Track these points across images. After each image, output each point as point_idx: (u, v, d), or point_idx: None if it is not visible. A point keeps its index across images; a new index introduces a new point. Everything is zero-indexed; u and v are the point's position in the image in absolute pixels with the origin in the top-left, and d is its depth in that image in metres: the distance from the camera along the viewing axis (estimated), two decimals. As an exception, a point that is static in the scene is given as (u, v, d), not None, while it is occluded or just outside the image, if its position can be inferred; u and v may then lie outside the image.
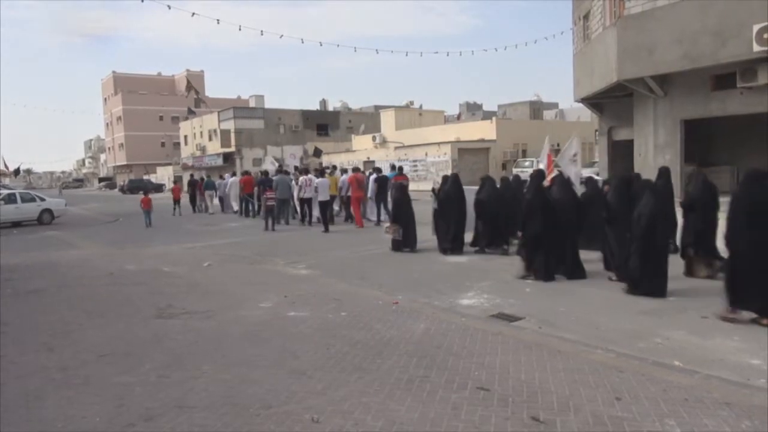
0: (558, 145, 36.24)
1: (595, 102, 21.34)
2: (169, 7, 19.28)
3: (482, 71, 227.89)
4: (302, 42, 23.01)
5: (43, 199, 22.99)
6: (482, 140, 33.45)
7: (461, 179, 11.60)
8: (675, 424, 3.78)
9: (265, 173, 20.46)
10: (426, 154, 32.27)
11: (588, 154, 37.26)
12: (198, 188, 25.16)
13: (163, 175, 54.83)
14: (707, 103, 15.69)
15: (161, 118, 77.10)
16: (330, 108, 61.63)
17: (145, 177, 62.13)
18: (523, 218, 8.24)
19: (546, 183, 9.20)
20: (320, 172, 17.74)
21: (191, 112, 56.92)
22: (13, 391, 4.75)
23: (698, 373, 4.63)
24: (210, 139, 52.01)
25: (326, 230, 15.21)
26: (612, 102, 20.62)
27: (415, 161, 32.76)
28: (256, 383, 4.71)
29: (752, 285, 5.75)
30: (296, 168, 21.36)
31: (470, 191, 11.22)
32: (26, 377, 5.05)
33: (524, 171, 27.95)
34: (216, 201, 24.83)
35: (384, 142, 40.15)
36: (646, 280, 6.98)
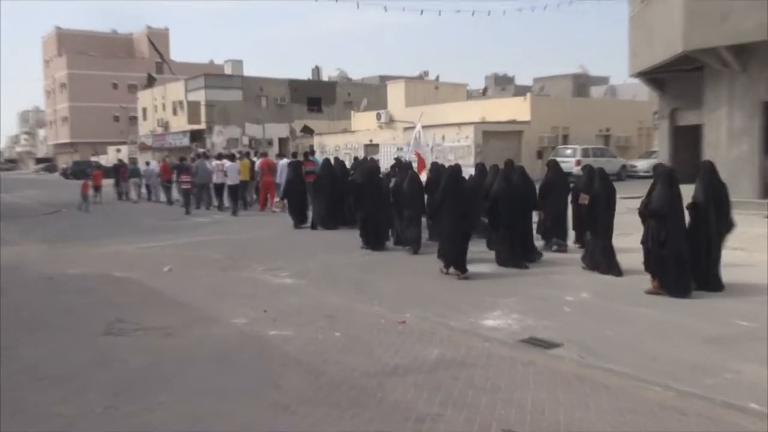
0: (608, 130, 36.20)
1: (654, 77, 21.23)
2: (128, -52, 19.19)
3: (515, 36, 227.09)
4: (292, -5, 22.58)
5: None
6: (513, 121, 33.34)
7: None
8: (750, 482, 3.75)
9: (182, 159, 24.85)
10: (443, 138, 32.17)
11: (645, 142, 37.17)
12: (121, 174, 28.20)
13: (116, 157, 54.87)
14: (796, 80, 15.62)
15: (115, 86, 77.22)
16: (324, 78, 61.54)
17: (93, 158, 62.20)
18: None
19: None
20: (230, 157, 21.68)
21: (152, 79, 57.03)
22: (-75, 421, 4.75)
23: (779, 419, 4.61)
24: (175, 113, 52.08)
25: (233, 213, 19.68)
26: (676, 78, 20.51)
27: (429, 146, 32.71)
28: (226, 418, 4.70)
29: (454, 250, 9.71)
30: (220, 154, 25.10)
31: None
32: (-58, 404, 5.05)
33: (565, 161, 27.87)
34: (143, 190, 27.43)
35: (391, 122, 40.06)
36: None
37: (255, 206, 21.51)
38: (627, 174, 30.49)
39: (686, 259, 8.17)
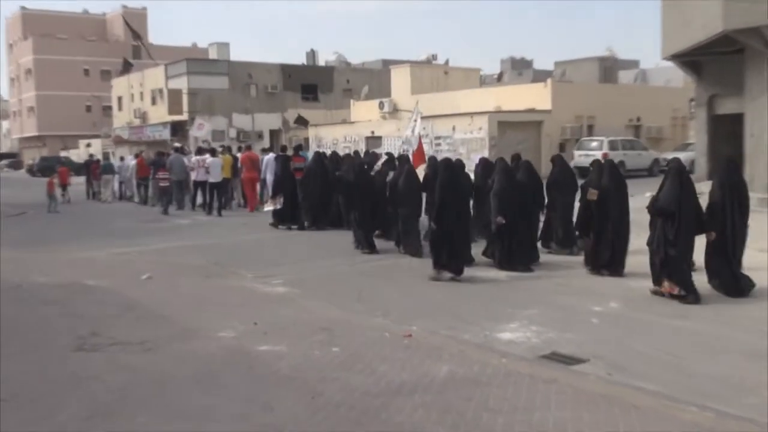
0: (638, 119, 36.12)
1: (690, 60, 21.20)
2: None
3: (534, 15, 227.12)
4: (284, -30, 22.50)
5: None
6: (532, 110, 33.32)
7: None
8: None
9: (159, 153, 25.69)
10: (453, 129, 32.16)
11: (680, 133, 37.07)
12: (93, 171, 28.68)
13: (87, 152, 54.88)
14: None
15: (87, 72, 77.23)
16: (321, 62, 61.56)
17: (63, 154, 62.28)
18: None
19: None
20: (211, 151, 21.81)
21: (128, 65, 57.07)
22: None
23: (832, 443, 4.60)
24: (154, 102, 52.14)
25: (218, 214, 19.94)
26: (715, 61, 20.48)
27: (437, 138, 32.64)
28: (212, 443, 4.71)
29: (447, 250, 9.97)
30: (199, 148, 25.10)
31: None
32: None
33: (590, 154, 27.84)
34: (116, 187, 28.24)
35: (395, 111, 40.08)
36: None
37: (239, 206, 21.86)
38: (660, 169, 30.41)
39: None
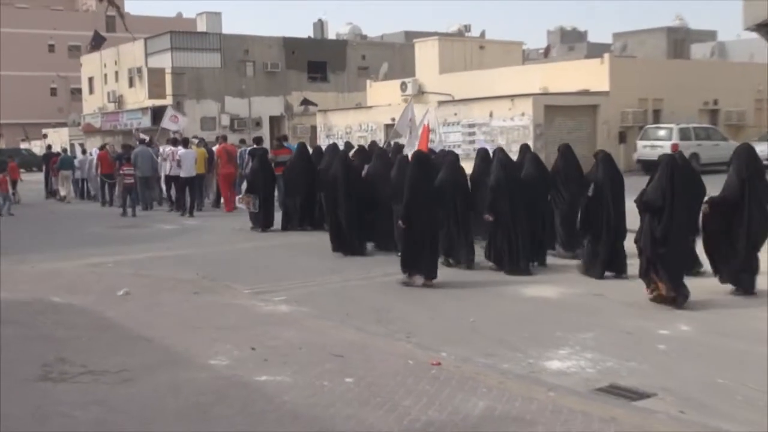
0: (715, 102, 35.80)
1: (779, 30, 21.05)
2: None
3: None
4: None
5: None
6: (586, 92, 33.19)
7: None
8: None
9: (126, 146, 26.84)
10: (490, 114, 32.05)
11: (766, 119, 36.74)
12: (51, 165, 29.80)
13: (54, 142, 55.34)
14: None
15: (52, 48, 77.75)
16: (331, 35, 61.69)
17: (24, 145, 62.79)
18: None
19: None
20: (184, 142, 22.73)
21: (101, 39, 57.49)
22: None
23: None
24: (131, 83, 52.42)
25: (190, 214, 20.86)
26: (809, 31, 20.33)
27: (471, 125, 32.58)
28: (202, 492, 4.73)
29: (419, 253, 10.65)
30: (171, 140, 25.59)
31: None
32: None
33: (657, 145, 27.66)
34: (80, 185, 29.39)
35: (420, 93, 40.03)
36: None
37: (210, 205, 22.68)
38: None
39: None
